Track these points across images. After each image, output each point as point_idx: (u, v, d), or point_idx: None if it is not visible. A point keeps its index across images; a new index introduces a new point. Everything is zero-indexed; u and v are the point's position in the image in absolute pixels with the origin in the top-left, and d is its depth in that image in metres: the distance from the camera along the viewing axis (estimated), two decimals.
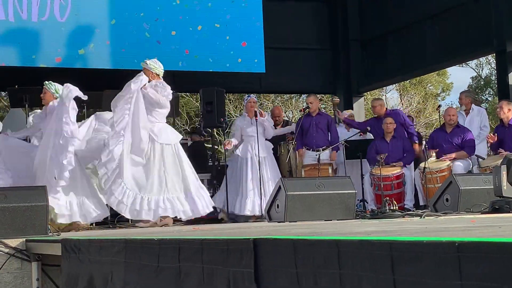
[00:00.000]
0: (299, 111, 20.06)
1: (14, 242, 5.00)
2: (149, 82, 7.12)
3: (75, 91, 6.65)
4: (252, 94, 9.24)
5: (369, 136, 9.57)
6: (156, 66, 7.04)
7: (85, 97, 6.77)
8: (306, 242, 2.12)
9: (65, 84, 6.83)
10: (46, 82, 7.17)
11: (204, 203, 7.19)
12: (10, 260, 4.94)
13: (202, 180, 9.97)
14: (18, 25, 10.15)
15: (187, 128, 23.24)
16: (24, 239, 5.03)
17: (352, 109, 11.76)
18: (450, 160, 8.45)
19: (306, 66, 12.92)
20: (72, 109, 6.59)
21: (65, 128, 6.53)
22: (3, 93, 19.29)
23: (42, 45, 10.27)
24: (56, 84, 7.12)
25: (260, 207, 8.30)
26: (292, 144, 8.96)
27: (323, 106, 22.71)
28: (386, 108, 9.93)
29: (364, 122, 9.96)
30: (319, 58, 13.21)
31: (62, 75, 10.26)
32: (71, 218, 6.75)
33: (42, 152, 6.77)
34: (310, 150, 9.02)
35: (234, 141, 8.84)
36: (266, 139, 8.83)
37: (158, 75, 7.04)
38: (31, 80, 9.83)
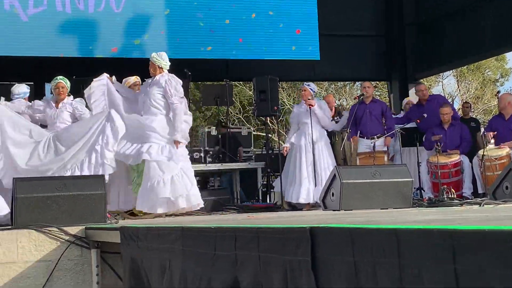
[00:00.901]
0: (353, 99, 19.88)
1: (74, 230, 5.11)
2: (155, 76, 7.10)
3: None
4: (308, 82, 9.08)
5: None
6: (159, 59, 7.07)
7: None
8: (364, 231, 2.10)
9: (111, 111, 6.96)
10: (61, 76, 7.27)
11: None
12: (71, 248, 5.05)
13: (255, 169, 9.99)
14: (75, 17, 10.34)
15: (241, 116, 23.33)
16: (84, 227, 5.13)
17: (408, 96, 11.61)
18: (509, 147, 8.28)
19: (360, 53, 12.78)
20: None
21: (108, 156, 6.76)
22: None
23: (99, 35, 10.44)
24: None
25: (314, 195, 8.26)
26: (347, 132, 8.88)
27: (377, 93, 22.47)
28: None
29: (407, 114, 9.80)
30: (373, 44, 13.05)
31: (118, 65, 10.45)
32: None
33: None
34: (364, 138, 8.93)
35: (288, 145, 8.76)
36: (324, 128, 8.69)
37: (161, 68, 7.04)
38: (88, 70, 10.00)
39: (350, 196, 6.24)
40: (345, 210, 6.14)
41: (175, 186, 6.78)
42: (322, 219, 3.80)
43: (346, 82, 23.91)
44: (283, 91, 23.24)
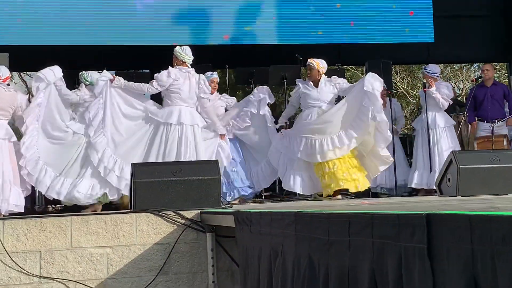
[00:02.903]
0: (471, 81, 19.20)
1: (190, 214, 5.23)
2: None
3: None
4: (426, 66, 8.79)
5: None
6: (182, 53, 7.12)
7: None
8: (483, 217, 2.03)
9: None
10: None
11: None
12: (187, 231, 5.18)
13: None
14: (187, 5, 10.54)
15: None
16: (199, 211, 5.25)
17: None
18: None
19: (477, 34, 12.31)
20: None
21: None
22: None
23: (211, 23, 10.59)
24: (89, 72, 7.39)
25: (428, 180, 8.09)
26: (463, 116, 8.59)
27: (496, 75, 21.61)
28: None
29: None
30: (491, 25, 12.53)
31: (230, 52, 10.59)
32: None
33: None
34: (484, 121, 8.60)
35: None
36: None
37: (185, 62, 7.06)
38: (200, 57, 10.18)
39: (468, 182, 6.06)
40: (462, 196, 5.98)
41: None
42: (439, 205, 3.70)
43: (463, 64, 23.13)
44: (397, 74, 22.78)
